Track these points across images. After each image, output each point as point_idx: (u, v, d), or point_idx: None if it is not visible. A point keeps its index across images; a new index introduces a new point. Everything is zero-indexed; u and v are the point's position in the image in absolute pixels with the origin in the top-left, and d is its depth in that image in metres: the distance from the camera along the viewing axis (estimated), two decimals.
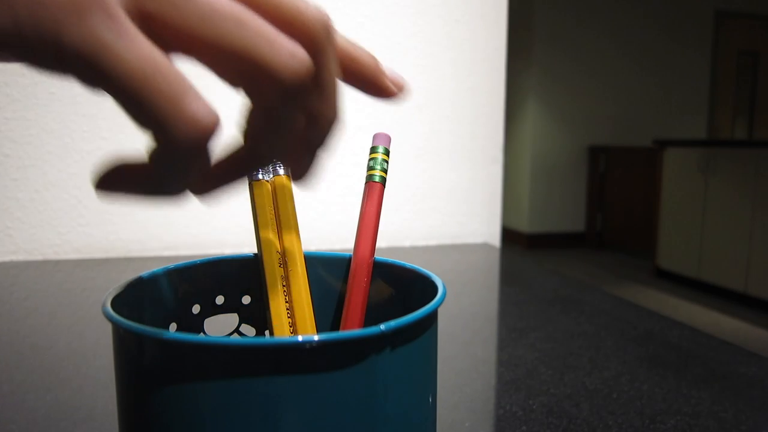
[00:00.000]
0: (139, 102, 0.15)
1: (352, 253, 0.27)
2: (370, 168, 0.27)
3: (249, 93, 0.17)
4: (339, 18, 0.83)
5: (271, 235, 0.27)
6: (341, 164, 0.85)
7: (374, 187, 0.27)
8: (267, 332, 0.29)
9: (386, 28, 0.85)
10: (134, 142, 0.78)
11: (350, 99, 0.85)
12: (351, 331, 0.17)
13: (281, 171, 0.26)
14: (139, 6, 0.15)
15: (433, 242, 0.91)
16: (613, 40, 4.99)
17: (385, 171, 0.27)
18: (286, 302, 0.27)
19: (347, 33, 0.90)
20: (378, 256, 0.27)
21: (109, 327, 0.50)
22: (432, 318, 0.21)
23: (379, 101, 0.21)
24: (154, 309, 0.24)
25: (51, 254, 0.77)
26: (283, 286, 0.27)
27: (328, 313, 0.30)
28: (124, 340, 0.19)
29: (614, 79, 5.03)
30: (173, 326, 0.26)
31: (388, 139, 0.27)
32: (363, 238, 0.26)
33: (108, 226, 0.78)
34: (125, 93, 0.15)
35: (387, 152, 0.27)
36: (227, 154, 0.18)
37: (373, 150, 0.27)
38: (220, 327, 0.47)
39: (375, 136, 0.27)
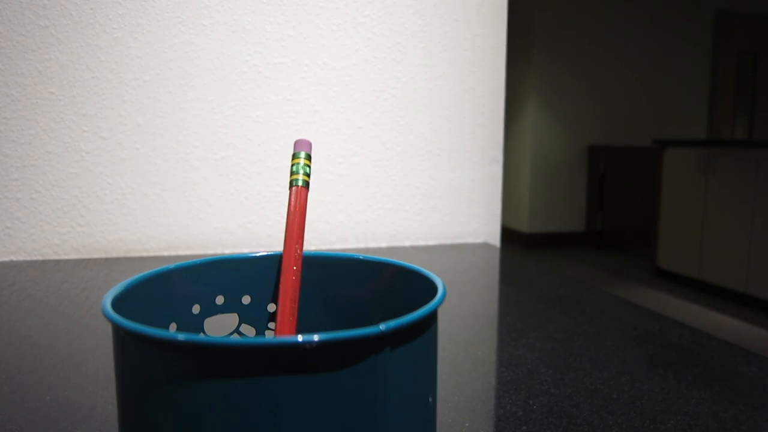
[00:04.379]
0: None
1: (341, 254, 0.27)
2: (293, 173, 0.28)
3: None
4: (339, 18, 0.83)
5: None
6: (341, 164, 0.85)
7: (298, 191, 0.28)
8: (267, 332, 0.29)
9: (386, 28, 0.85)
10: (134, 142, 0.78)
11: (350, 99, 0.85)
12: (351, 330, 0.17)
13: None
14: None
15: (433, 242, 0.91)
16: (613, 40, 4.99)
17: (308, 175, 0.28)
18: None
19: (347, 33, 0.90)
20: (378, 256, 0.27)
21: (109, 327, 0.50)
22: (432, 318, 0.21)
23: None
24: (153, 309, 0.24)
25: (51, 254, 0.77)
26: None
27: (327, 313, 0.30)
28: (123, 340, 0.19)
29: (614, 79, 5.03)
30: (173, 326, 0.26)
31: (309, 144, 0.29)
32: (289, 240, 0.27)
33: (108, 226, 0.78)
34: None
35: (308, 157, 0.29)
36: None
37: (295, 156, 0.28)
38: (220, 327, 0.47)
39: (296, 143, 0.29)
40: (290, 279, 0.27)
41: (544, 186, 4.94)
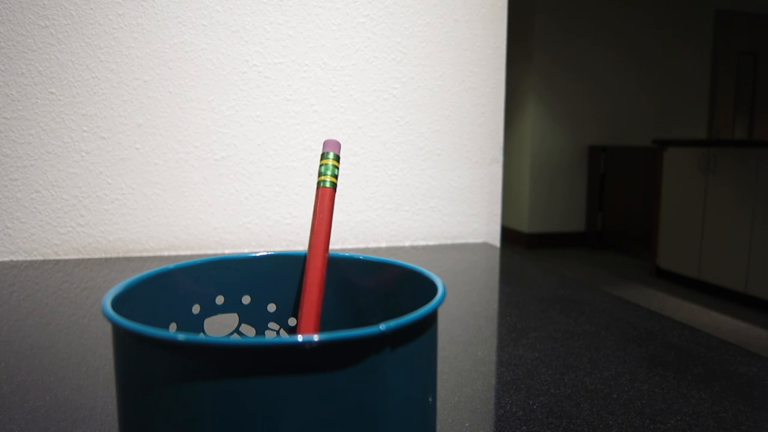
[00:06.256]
0: None
1: (343, 256, 0.27)
2: (321, 174, 0.28)
3: None
4: (339, 18, 0.83)
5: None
6: (340, 164, 0.85)
7: (325, 192, 0.28)
8: (267, 332, 0.29)
9: (386, 28, 0.85)
10: (134, 142, 0.78)
11: (350, 99, 0.85)
12: (351, 330, 0.17)
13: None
14: None
15: (433, 242, 0.91)
16: (613, 39, 4.99)
17: (336, 176, 0.28)
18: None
19: (347, 33, 0.90)
20: (378, 256, 0.27)
21: (109, 327, 0.50)
22: (432, 318, 0.21)
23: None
24: (153, 309, 0.24)
25: (51, 254, 0.77)
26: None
27: (340, 311, 0.30)
28: (123, 340, 0.19)
29: (614, 79, 5.03)
30: (173, 326, 0.26)
31: (338, 145, 0.29)
32: (316, 241, 0.27)
33: (108, 226, 0.78)
34: None
35: (337, 158, 0.28)
36: None
37: (324, 156, 0.28)
38: (220, 327, 0.47)
39: (325, 143, 0.28)
40: (316, 278, 0.27)
41: (544, 186, 4.94)
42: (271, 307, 0.29)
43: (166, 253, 0.80)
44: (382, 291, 0.28)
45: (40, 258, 0.77)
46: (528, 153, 4.90)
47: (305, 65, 0.83)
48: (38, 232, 0.76)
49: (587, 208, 5.03)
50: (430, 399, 0.21)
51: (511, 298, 0.60)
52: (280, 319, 0.29)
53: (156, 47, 0.77)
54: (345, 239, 0.87)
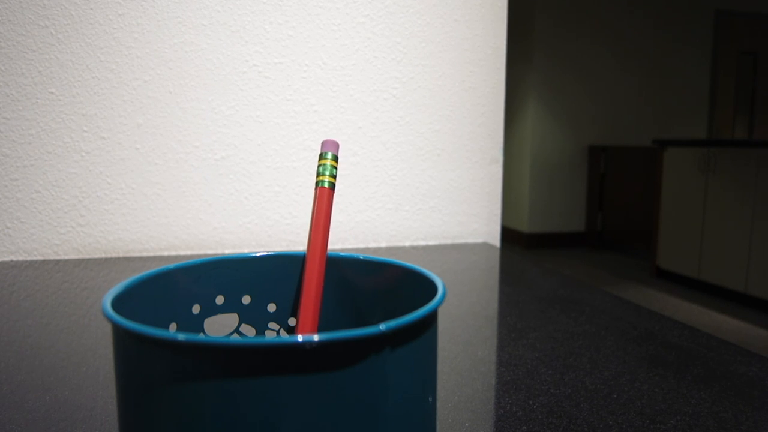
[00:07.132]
0: None
1: (339, 255, 0.27)
2: (319, 174, 0.28)
3: None
4: (339, 18, 0.83)
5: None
6: (340, 164, 0.85)
7: (323, 192, 0.28)
8: (267, 332, 0.29)
9: (386, 28, 0.85)
10: (134, 142, 0.78)
11: (350, 99, 0.85)
12: (351, 330, 0.17)
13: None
14: None
15: (433, 242, 0.91)
16: (613, 40, 4.99)
17: (334, 177, 0.29)
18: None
19: (347, 33, 0.90)
20: (378, 256, 0.27)
21: (109, 327, 0.50)
22: (432, 318, 0.21)
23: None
24: (153, 309, 0.24)
25: (51, 254, 0.77)
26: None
27: (338, 311, 0.30)
28: (123, 340, 0.19)
29: (614, 79, 5.03)
30: (173, 326, 0.26)
31: (336, 145, 0.29)
32: (314, 241, 0.28)
33: (108, 226, 0.78)
34: None
35: (335, 158, 0.29)
36: None
37: (322, 156, 0.28)
38: (220, 327, 0.47)
39: (323, 143, 0.28)
40: (314, 279, 0.27)
41: (544, 186, 4.94)
42: (271, 307, 0.29)
43: (166, 253, 0.80)
44: (382, 291, 0.28)
45: (40, 258, 0.77)
46: (528, 153, 4.90)
47: (305, 65, 0.83)
48: (38, 232, 0.76)
49: (587, 208, 5.03)
50: (430, 399, 0.21)
51: (511, 298, 0.60)
52: (280, 319, 0.29)
53: (156, 47, 0.77)
54: (345, 239, 0.87)
